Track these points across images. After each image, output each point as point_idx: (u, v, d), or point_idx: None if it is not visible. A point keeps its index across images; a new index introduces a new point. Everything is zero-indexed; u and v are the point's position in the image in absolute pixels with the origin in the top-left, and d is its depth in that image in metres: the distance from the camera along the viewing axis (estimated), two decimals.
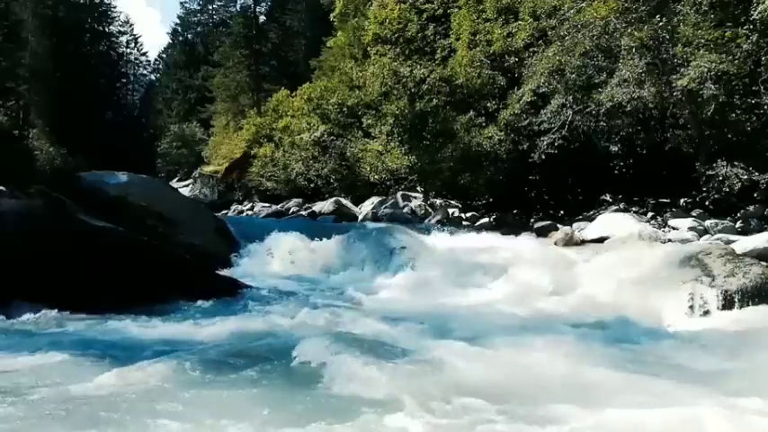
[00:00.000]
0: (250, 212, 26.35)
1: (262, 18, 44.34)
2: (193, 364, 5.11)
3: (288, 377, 4.96)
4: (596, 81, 13.68)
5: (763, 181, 11.46)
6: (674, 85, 11.80)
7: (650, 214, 13.40)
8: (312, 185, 24.81)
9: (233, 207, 28.68)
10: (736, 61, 11.08)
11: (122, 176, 13.09)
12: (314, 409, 4.28)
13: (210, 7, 58.04)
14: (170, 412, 4.13)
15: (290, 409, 4.26)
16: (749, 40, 11.10)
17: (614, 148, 14.18)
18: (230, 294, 8.50)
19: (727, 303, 7.48)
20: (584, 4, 13.29)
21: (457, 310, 7.80)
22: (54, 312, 6.93)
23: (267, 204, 26.42)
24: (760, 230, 10.32)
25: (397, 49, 20.22)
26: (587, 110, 13.83)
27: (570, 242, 12.09)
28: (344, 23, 27.32)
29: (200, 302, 8.01)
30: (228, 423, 4.00)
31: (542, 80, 14.41)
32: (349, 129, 23.08)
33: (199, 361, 5.23)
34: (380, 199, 20.02)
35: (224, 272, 10.16)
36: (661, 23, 12.02)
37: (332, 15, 29.22)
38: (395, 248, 11.65)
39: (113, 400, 4.35)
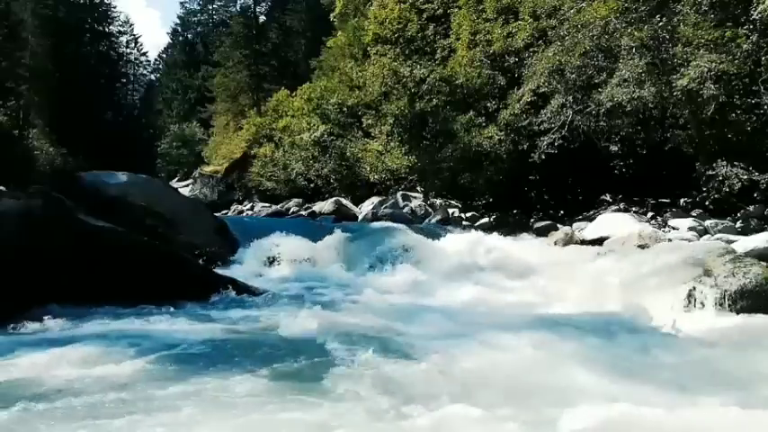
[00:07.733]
0: (250, 212, 26.38)
1: (262, 18, 44.43)
2: (193, 364, 5.13)
3: (287, 376, 4.97)
4: (596, 81, 13.69)
5: (763, 181, 11.46)
6: (674, 85, 11.80)
7: (650, 214, 13.42)
8: (312, 185, 24.83)
9: (233, 207, 28.72)
10: (736, 61, 11.08)
11: (122, 176, 13.06)
12: (313, 407, 4.29)
13: (210, 7, 58.07)
14: (169, 412, 4.14)
15: (289, 408, 4.27)
16: (749, 40, 11.10)
17: (614, 148, 14.20)
18: (230, 294, 8.50)
19: (727, 303, 7.47)
20: (584, 4, 13.31)
21: (456, 310, 7.82)
22: (52, 313, 6.91)
23: (267, 204, 26.45)
24: (760, 230, 10.33)
25: (397, 49, 20.23)
26: (587, 110, 13.84)
27: (570, 242, 12.11)
28: (344, 23, 27.35)
29: (200, 302, 8.01)
30: (229, 421, 4.02)
31: (542, 80, 14.42)
32: (349, 129, 23.08)
33: (198, 360, 5.25)
34: (380, 199, 20.03)
35: (224, 272, 10.16)
36: (661, 23, 12.03)
37: (332, 15, 29.29)
38: (395, 248, 11.65)
39: (112, 400, 4.36)
